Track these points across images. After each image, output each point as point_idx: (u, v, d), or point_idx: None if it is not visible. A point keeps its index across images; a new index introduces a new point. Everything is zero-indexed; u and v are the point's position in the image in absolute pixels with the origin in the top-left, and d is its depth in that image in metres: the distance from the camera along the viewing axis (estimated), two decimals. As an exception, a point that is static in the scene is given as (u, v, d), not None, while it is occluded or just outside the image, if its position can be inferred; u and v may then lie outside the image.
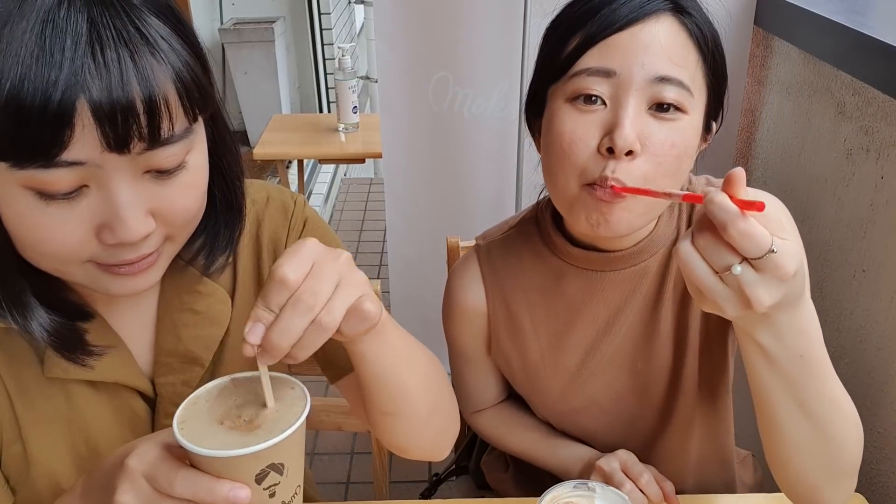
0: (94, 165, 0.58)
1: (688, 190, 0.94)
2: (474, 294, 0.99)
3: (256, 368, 0.60)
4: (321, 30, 4.41)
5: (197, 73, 0.62)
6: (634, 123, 0.77)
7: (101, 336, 0.73)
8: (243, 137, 4.13)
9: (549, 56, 0.84)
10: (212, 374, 0.81)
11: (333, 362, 0.87)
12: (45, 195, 0.58)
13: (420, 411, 0.78)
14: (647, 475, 0.90)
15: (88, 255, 0.63)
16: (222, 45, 3.99)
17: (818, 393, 0.72)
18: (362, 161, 2.94)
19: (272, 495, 0.58)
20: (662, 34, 0.78)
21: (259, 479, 0.57)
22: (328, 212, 3.79)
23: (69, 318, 0.69)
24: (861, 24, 1.22)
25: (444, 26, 1.75)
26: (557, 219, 0.95)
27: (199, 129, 0.66)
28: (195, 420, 0.58)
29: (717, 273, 0.62)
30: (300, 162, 3.12)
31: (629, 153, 0.77)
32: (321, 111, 4.57)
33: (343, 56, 2.71)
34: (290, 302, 0.57)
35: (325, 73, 4.50)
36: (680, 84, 0.78)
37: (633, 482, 0.90)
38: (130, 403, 0.78)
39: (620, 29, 0.78)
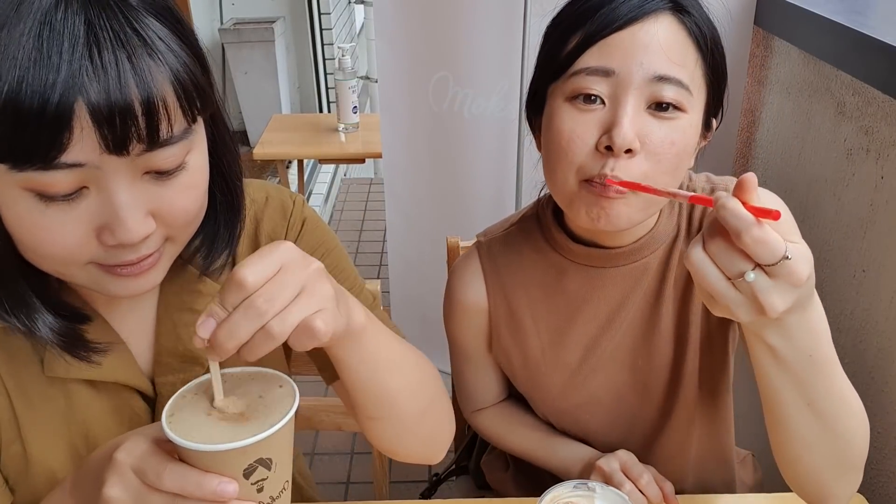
0: (93, 167, 0.58)
1: (687, 188, 0.94)
2: (475, 291, 1.00)
3: (253, 366, 0.60)
4: (321, 30, 4.41)
5: (196, 73, 0.62)
6: (633, 122, 0.78)
7: (102, 336, 0.73)
8: (243, 137, 4.13)
9: (549, 54, 0.85)
10: (211, 375, 0.81)
11: (330, 363, 0.87)
12: (45, 197, 0.58)
13: (407, 416, 0.78)
14: (646, 476, 0.90)
15: (89, 256, 0.63)
16: (222, 45, 3.99)
17: (827, 391, 0.72)
18: (362, 161, 2.95)
19: (260, 490, 0.58)
20: (661, 33, 0.78)
21: (247, 473, 0.57)
22: (328, 212, 3.79)
23: (70, 319, 0.69)
24: (861, 24, 1.22)
25: (444, 26, 1.75)
26: (558, 215, 0.95)
27: (199, 130, 0.65)
28: (184, 414, 0.59)
29: (729, 279, 0.61)
30: (300, 162, 3.12)
31: (628, 151, 0.78)
32: (321, 111, 4.57)
33: (343, 56, 2.71)
34: (243, 304, 0.56)
35: (325, 73, 4.50)
36: (679, 83, 0.78)
37: (633, 483, 0.90)
38: (130, 403, 0.78)
39: (620, 28, 0.78)
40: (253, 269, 0.56)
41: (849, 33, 1.21)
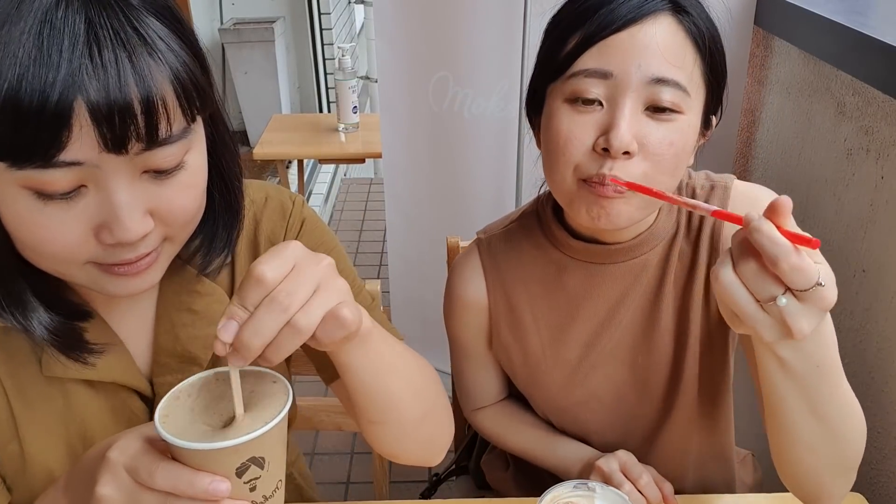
0: (92, 166, 0.58)
1: (687, 186, 0.94)
2: (475, 287, 1.00)
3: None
4: (321, 30, 4.41)
5: (195, 73, 0.62)
6: (630, 125, 0.78)
7: (100, 336, 0.73)
8: (243, 137, 4.13)
9: (549, 54, 0.85)
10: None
11: (328, 364, 0.87)
12: (44, 195, 0.58)
13: (408, 420, 0.78)
14: (646, 476, 0.90)
15: (87, 255, 0.63)
16: (222, 45, 3.99)
17: (831, 396, 0.72)
18: (362, 161, 2.95)
19: (253, 489, 0.58)
20: (660, 35, 0.78)
21: (240, 472, 0.57)
22: (328, 212, 3.79)
23: (68, 318, 0.69)
24: (861, 24, 1.21)
25: (444, 26, 1.75)
26: (558, 212, 0.95)
27: (198, 129, 0.65)
28: (177, 413, 0.59)
29: (758, 301, 0.61)
30: (300, 162, 3.13)
31: (626, 153, 0.78)
32: (321, 111, 4.57)
33: (343, 56, 2.71)
34: (266, 301, 0.56)
35: (325, 73, 4.50)
36: (676, 85, 0.78)
37: (633, 483, 0.90)
38: (128, 403, 0.78)
39: (619, 29, 0.78)
40: (270, 266, 0.57)
41: (849, 33, 1.21)
